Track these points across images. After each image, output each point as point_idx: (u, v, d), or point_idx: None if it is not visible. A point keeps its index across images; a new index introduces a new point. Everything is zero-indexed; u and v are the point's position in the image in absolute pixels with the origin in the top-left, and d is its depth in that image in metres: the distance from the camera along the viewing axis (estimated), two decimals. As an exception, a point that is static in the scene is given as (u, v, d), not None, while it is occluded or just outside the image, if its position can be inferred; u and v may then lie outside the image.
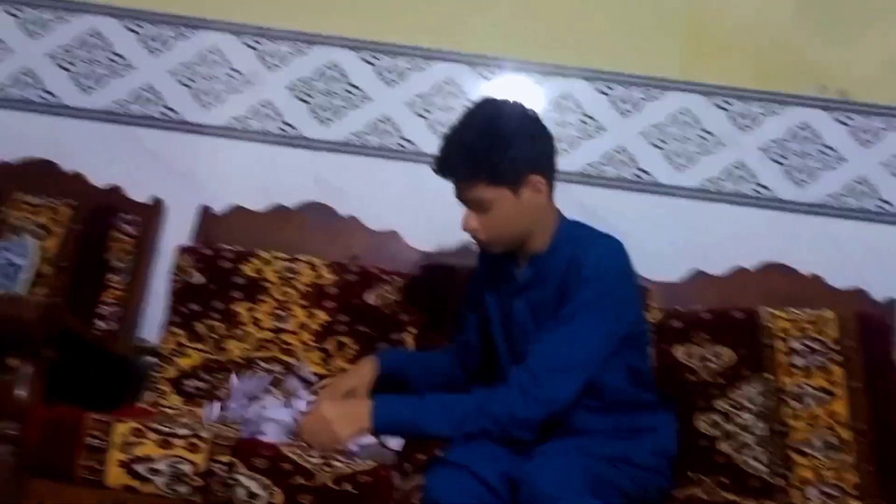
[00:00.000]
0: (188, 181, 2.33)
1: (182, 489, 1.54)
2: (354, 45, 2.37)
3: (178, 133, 2.36)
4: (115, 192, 2.29)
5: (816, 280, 2.19)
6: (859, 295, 2.16)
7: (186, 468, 1.54)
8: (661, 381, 1.88)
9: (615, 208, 2.28)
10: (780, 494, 1.86)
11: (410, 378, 1.87)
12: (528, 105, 1.71)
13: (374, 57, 2.37)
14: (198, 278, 2.09)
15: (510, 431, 1.58)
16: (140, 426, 1.58)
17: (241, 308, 2.07)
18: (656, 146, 2.35)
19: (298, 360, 2.00)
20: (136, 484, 1.54)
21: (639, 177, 2.34)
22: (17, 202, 2.20)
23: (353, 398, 1.76)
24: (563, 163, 2.27)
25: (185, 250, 2.14)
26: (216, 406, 1.83)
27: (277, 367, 2.00)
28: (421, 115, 2.36)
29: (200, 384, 1.99)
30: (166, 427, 1.59)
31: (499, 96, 1.74)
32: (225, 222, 2.26)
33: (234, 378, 1.89)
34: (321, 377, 1.95)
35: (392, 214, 2.29)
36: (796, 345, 1.98)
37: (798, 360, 1.97)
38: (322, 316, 2.07)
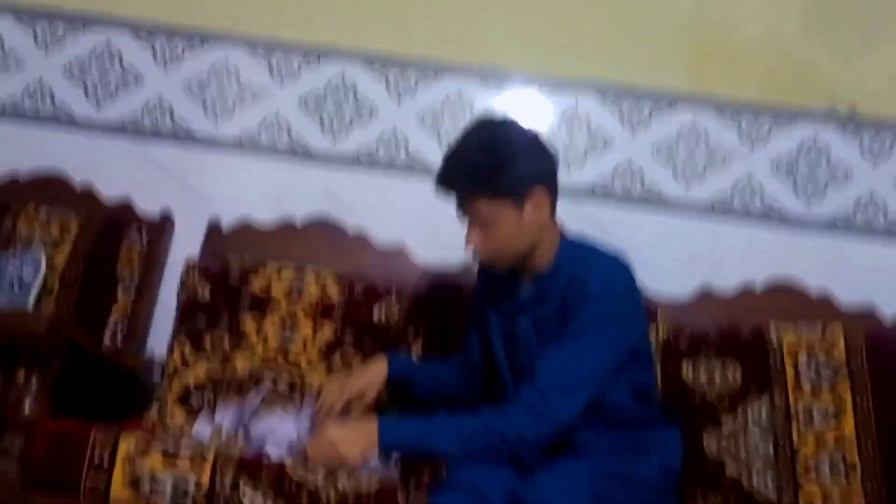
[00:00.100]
0: (197, 195, 2.34)
1: (186, 505, 1.54)
2: (364, 59, 2.38)
3: (188, 147, 2.37)
4: (124, 205, 2.30)
5: (825, 298, 2.18)
6: (868, 313, 2.14)
7: (191, 484, 1.54)
8: (668, 399, 1.88)
9: (623, 224, 2.27)
10: (788, 515, 1.85)
11: (416, 386, 1.87)
12: (535, 120, 1.71)
13: (384, 71, 2.38)
14: (205, 293, 2.10)
15: (517, 450, 1.59)
16: (145, 441, 1.59)
17: (247, 322, 2.08)
18: (664, 161, 2.34)
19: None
20: (140, 499, 1.54)
21: (646, 192, 2.33)
22: (28, 215, 2.22)
23: (360, 402, 1.77)
24: (572, 177, 2.29)
25: (192, 265, 2.15)
26: (207, 423, 1.83)
27: (284, 383, 2.01)
28: (430, 130, 2.36)
29: (206, 398, 1.99)
30: (171, 443, 1.60)
31: (505, 111, 1.75)
32: (233, 237, 2.27)
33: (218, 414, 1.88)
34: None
35: (400, 229, 2.29)
36: (804, 364, 1.97)
37: (806, 380, 1.96)
38: (329, 331, 2.08)
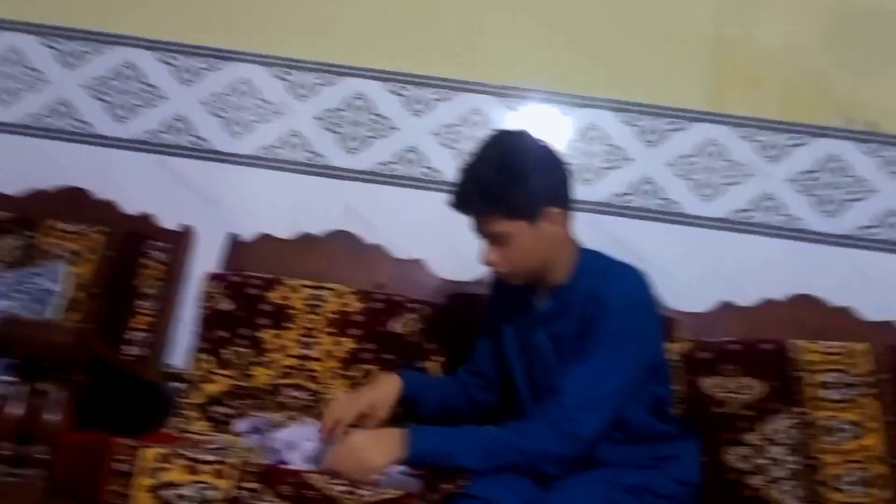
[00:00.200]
0: (217, 209, 2.36)
1: (208, 515, 1.54)
2: (382, 76, 2.40)
3: (208, 162, 2.39)
4: (146, 219, 2.32)
5: (846, 312, 2.17)
6: (889, 327, 2.13)
7: (213, 494, 1.54)
8: (689, 412, 1.86)
9: (642, 239, 2.27)
10: (811, 531, 1.83)
11: (426, 405, 1.84)
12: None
13: (402, 87, 2.40)
14: (226, 305, 2.11)
15: (541, 467, 1.57)
16: (167, 451, 1.59)
17: (267, 335, 2.08)
18: (683, 177, 2.35)
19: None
20: (162, 510, 1.54)
21: (665, 207, 2.33)
22: (51, 229, 2.24)
23: (371, 415, 1.74)
24: (590, 193, 2.30)
25: (213, 277, 2.16)
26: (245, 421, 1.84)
27: (304, 395, 2.01)
28: (447, 145, 2.38)
29: (227, 410, 1.99)
30: (193, 453, 1.60)
31: (514, 128, 1.75)
32: (253, 250, 2.28)
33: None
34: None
35: (418, 243, 2.30)
36: (827, 378, 1.96)
37: (829, 394, 1.94)
38: (348, 343, 2.08)
